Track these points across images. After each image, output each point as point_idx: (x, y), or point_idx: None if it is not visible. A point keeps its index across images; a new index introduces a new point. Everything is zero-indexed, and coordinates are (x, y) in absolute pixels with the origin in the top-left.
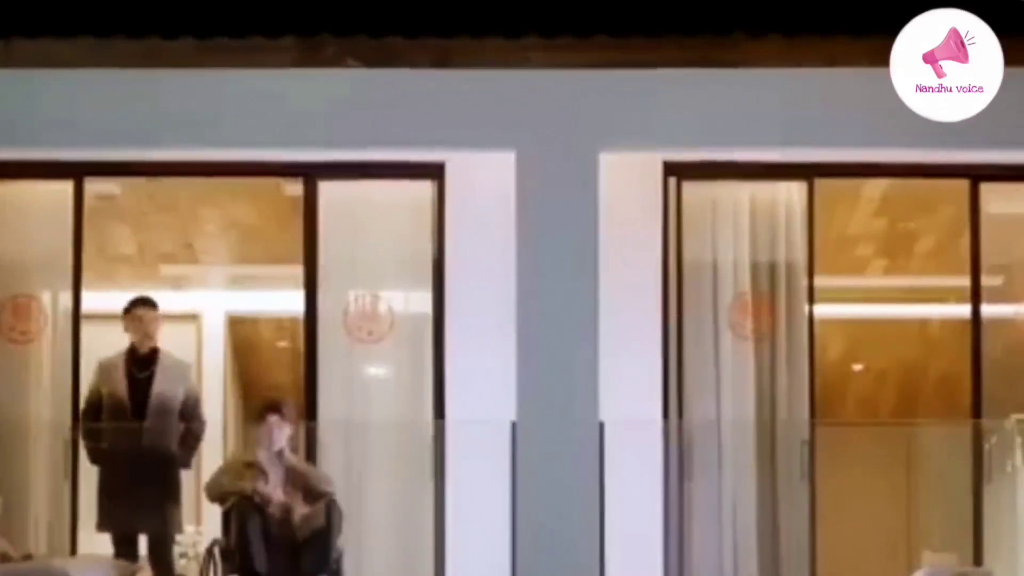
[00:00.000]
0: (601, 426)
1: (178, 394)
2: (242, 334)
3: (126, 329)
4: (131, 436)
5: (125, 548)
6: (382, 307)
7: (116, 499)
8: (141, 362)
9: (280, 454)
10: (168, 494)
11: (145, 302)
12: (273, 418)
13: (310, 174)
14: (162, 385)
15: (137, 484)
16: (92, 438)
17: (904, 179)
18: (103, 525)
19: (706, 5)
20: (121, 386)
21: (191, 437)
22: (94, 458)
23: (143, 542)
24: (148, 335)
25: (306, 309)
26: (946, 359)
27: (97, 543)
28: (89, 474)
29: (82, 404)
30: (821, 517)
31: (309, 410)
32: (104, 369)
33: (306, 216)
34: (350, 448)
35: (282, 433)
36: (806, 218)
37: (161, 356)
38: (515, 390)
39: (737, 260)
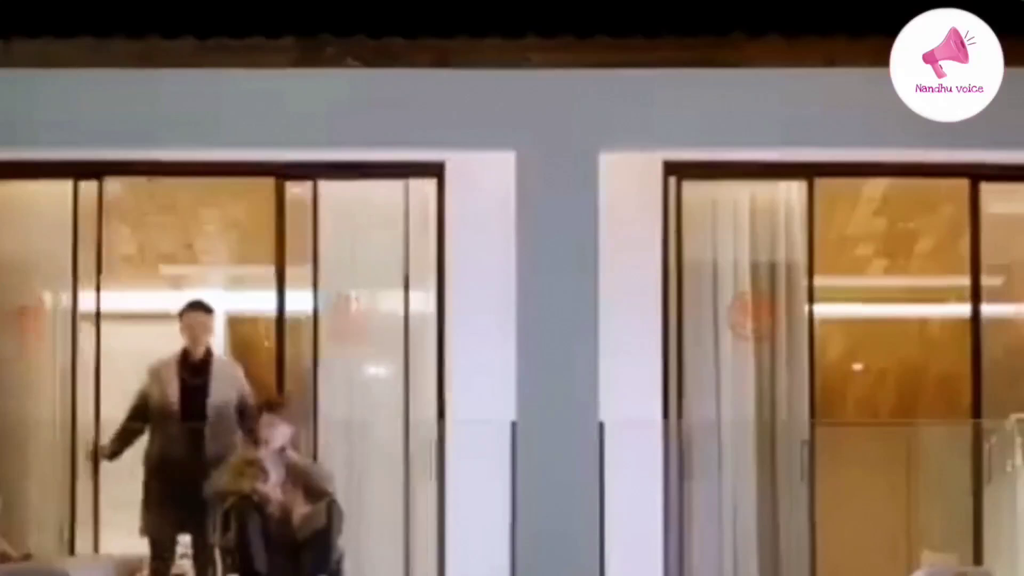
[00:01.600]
0: (601, 426)
1: (233, 398)
2: (242, 334)
3: (181, 332)
4: (191, 439)
5: (168, 551)
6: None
7: (172, 503)
8: (193, 367)
9: (281, 452)
10: None
11: (199, 305)
12: (266, 417)
13: (310, 174)
14: (217, 394)
15: (193, 488)
16: (151, 442)
17: (904, 179)
18: (151, 529)
19: (706, 5)
20: (172, 390)
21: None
22: (148, 462)
23: (143, 543)
24: (199, 339)
25: (303, 308)
26: (946, 359)
27: (97, 543)
28: (88, 474)
29: (129, 405)
30: (821, 517)
31: (311, 410)
32: (154, 373)
33: (299, 215)
34: (350, 448)
35: (278, 431)
36: (806, 218)
37: (214, 361)
38: (515, 390)
39: (737, 260)
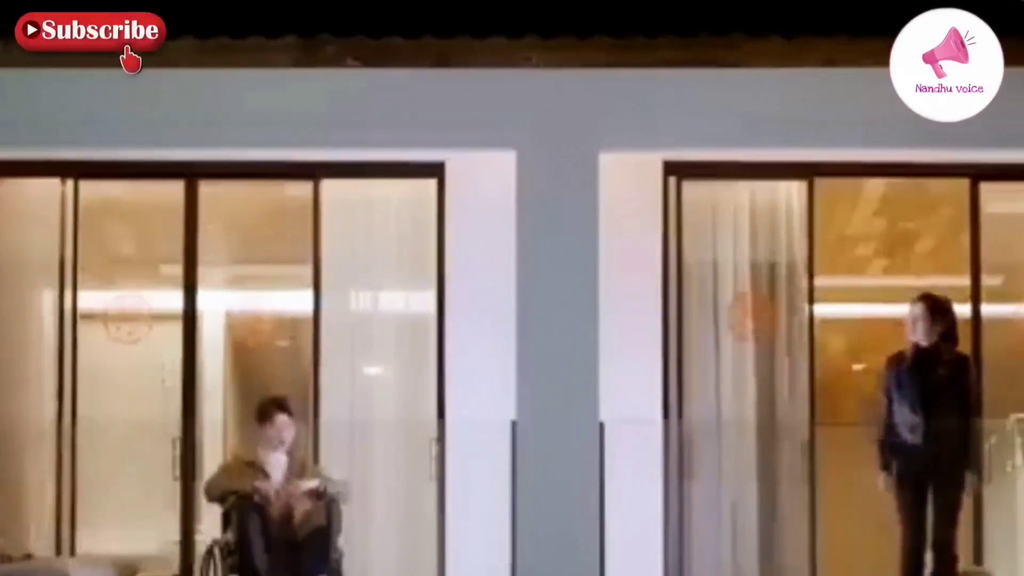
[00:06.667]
0: (601, 426)
1: None
2: (242, 334)
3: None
4: None
5: None
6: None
7: None
8: None
9: (285, 453)
10: None
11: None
12: (283, 417)
13: (311, 174)
14: None
15: None
16: None
17: (904, 179)
18: None
19: (706, 5)
20: None
21: None
22: None
23: (142, 543)
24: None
25: (303, 308)
26: None
27: (97, 543)
28: (89, 474)
29: None
30: (821, 517)
31: (311, 410)
32: None
33: (301, 215)
34: (352, 448)
35: (289, 432)
36: (806, 218)
37: None
38: (515, 390)
39: (737, 260)
